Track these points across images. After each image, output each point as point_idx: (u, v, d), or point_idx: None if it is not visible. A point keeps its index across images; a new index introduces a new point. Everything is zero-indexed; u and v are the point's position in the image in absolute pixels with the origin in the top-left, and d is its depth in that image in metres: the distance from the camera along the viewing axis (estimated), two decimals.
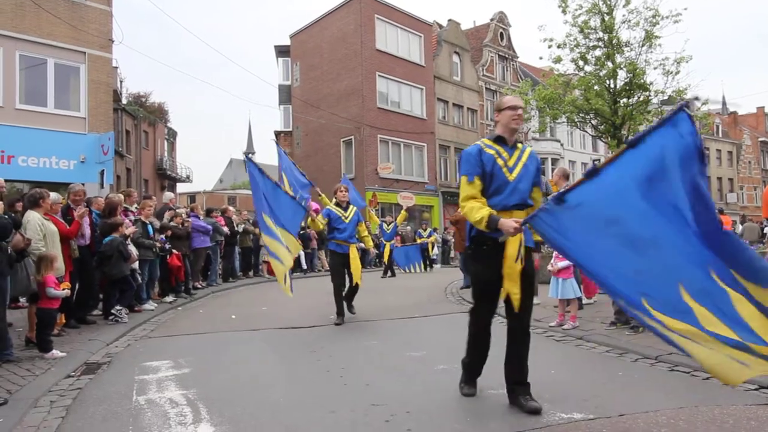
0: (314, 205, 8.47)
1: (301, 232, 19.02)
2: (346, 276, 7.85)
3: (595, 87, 19.21)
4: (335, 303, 7.71)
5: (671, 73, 18.59)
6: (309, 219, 7.45)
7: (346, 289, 7.94)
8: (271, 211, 6.32)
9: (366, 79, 28.15)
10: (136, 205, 9.46)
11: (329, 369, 5.06)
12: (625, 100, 19.21)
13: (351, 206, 7.89)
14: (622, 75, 18.98)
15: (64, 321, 6.95)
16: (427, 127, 30.76)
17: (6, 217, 4.47)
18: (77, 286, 7.41)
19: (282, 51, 33.87)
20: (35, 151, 15.38)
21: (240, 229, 14.34)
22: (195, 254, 11.75)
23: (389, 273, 16.84)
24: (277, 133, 33.81)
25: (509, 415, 3.61)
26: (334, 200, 7.92)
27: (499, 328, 3.86)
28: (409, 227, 26.77)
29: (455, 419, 3.58)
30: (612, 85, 19.13)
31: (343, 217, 7.65)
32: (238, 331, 7.33)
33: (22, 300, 6.93)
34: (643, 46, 18.66)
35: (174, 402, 4.11)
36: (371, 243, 8.58)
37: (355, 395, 4.18)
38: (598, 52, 19.11)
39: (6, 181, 8.05)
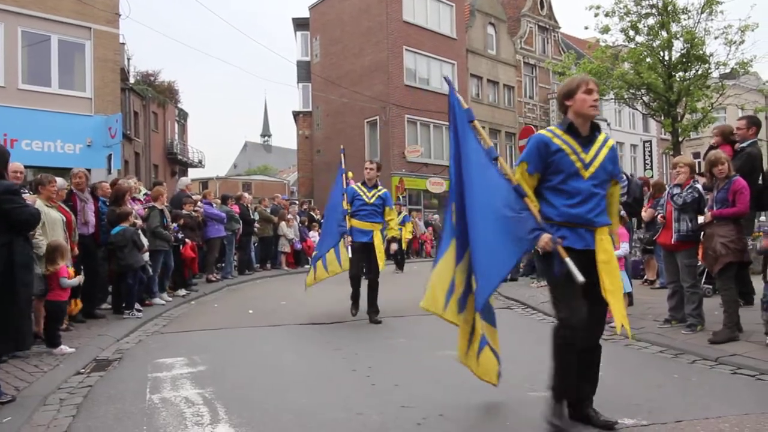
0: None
1: None
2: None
3: (648, 59, 18.83)
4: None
5: (734, 42, 18.08)
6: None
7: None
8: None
9: (392, 54, 28.01)
10: (145, 191, 9.58)
11: (355, 368, 5.10)
12: (681, 73, 18.80)
13: (379, 187, 7.77)
14: (678, 46, 18.57)
15: (80, 306, 7.13)
16: None
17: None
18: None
19: (300, 24, 33.89)
20: (39, 135, 15.64)
21: (256, 217, 14.45)
22: (209, 244, 11.91)
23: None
24: (296, 114, 33.95)
25: None
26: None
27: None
28: (437, 216, 26.75)
29: (493, 423, 3.58)
30: (667, 57, 18.73)
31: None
32: (256, 327, 7.43)
33: None
34: (702, 12, 18.19)
35: (190, 401, 4.19)
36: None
37: (383, 396, 4.21)
38: (651, 21, 18.70)
39: None
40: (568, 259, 3.24)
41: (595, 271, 3.33)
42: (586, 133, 3.50)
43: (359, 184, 7.77)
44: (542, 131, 3.62)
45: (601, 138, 3.55)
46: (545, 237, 3.28)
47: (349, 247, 7.49)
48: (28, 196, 5.75)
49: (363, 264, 7.77)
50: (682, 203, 6.04)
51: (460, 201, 3.84)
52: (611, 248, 3.46)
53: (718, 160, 5.73)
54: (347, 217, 7.55)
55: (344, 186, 7.89)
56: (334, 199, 8.09)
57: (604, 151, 3.52)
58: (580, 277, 3.18)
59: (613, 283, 3.37)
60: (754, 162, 6.41)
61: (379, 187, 7.75)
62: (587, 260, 3.34)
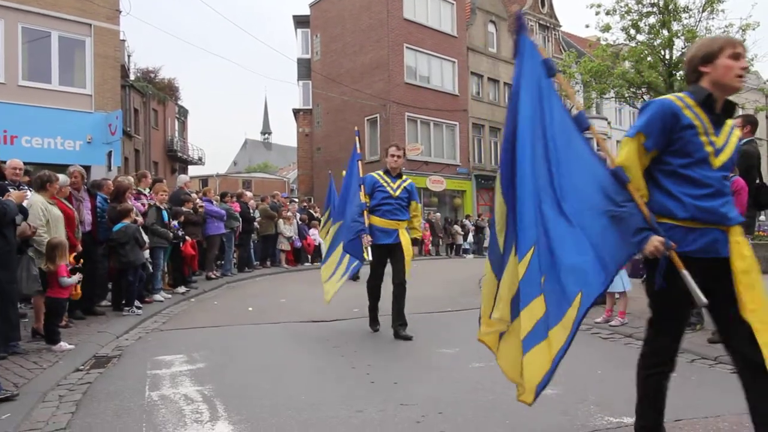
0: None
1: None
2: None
3: (649, 58, 18.84)
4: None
5: None
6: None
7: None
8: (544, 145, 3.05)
9: (392, 52, 27.98)
10: (149, 189, 9.59)
11: (355, 365, 5.10)
12: (682, 72, 18.77)
13: (404, 177, 6.62)
14: (679, 44, 18.56)
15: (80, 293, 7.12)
16: (459, 104, 30.52)
17: (4, 201, 4.56)
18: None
19: (301, 21, 33.84)
20: (39, 131, 15.67)
21: (256, 215, 14.45)
22: (208, 242, 11.91)
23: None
24: (296, 111, 33.93)
25: (553, 418, 3.59)
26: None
27: None
28: (438, 214, 26.74)
29: (493, 422, 3.58)
30: (667, 56, 18.74)
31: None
32: (255, 325, 7.43)
33: None
34: (703, 11, 18.22)
35: (189, 398, 4.19)
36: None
37: (383, 394, 4.21)
38: (652, 20, 18.72)
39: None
40: (685, 272, 2.48)
41: (726, 283, 2.54)
42: (719, 110, 2.70)
43: (380, 172, 6.57)
44: (669, 96, 2.73)
45: (729, 122, 2.77)
46: (654, 240, 2.50)
47: (369, 248, 6.35)
48: (24, 193, 5.74)
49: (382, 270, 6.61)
50: None
51: (511, 181, 2.95)
52: (751, 253, 2.60)
53: None
54: (365, 212, 6.36)
55: (360, 174, 6.66)
56: (350, 189, 6.85)
57: (734, 140, 2.74)
58: (702, 298, 2.46)
59: (756, 300, 2.51)
60: (750, 160, 6.39)
61: (404, 177, 6.62)
62: (716, 270, 2.56)
